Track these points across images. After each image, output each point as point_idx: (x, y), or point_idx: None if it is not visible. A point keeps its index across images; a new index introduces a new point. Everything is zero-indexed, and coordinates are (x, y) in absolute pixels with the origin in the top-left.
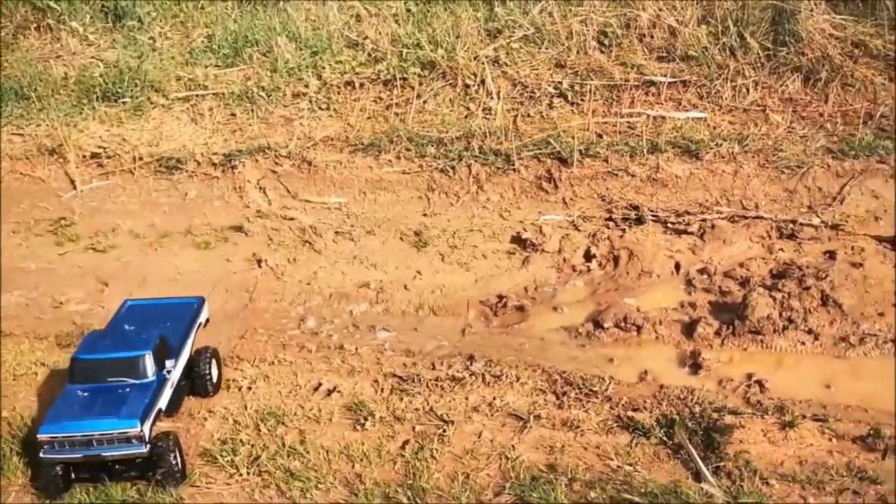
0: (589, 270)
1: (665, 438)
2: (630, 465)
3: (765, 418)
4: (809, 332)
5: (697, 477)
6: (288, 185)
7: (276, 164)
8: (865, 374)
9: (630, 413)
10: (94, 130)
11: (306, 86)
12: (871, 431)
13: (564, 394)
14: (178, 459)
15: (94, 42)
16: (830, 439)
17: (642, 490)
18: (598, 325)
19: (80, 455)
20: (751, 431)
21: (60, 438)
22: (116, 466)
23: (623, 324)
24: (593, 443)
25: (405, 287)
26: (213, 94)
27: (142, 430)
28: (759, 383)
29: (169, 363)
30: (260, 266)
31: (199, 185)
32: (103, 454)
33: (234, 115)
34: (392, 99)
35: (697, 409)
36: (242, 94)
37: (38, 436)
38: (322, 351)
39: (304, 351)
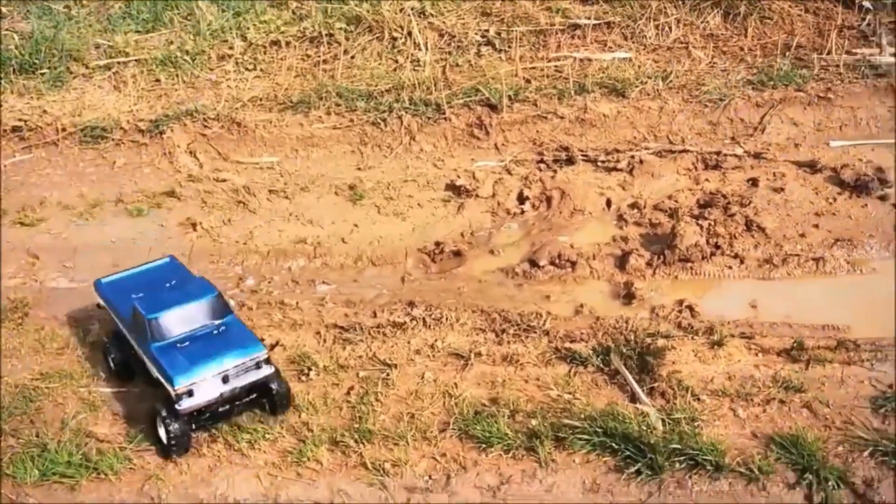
0: (523, 213)
1: (602, 366)
2: (569, 393)
3: (695, 339)
4: (735, 256)
5: (633, 399)
6: (218, 147)
7: (205, 127)
8: (788, 293)
9: (567, 345)
10: (13, 104)
11: (231, 47)
12: (795, 344)
13: (503, 331)
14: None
15: (6, 14)
16: (757, 354)
17: (581, 415)
18: (533, 264)
19: (217, 395)
20: (682, 353)
21: (199, 381)
22: (239, 402)
23: (558, 261)
24: (533, 375)
25: (342, 240)
26: (136, 60)
27: (266, 353)
28: (690, 308)
29: None
30: (195, 229)
31: (127, 153)
32: (239, 386)
33: (158, 80)
34: (319, 56)
35: (632, 336)
36: (166, 59)
37: (175, 387)
38: (263, 308)
39: (245, 309)
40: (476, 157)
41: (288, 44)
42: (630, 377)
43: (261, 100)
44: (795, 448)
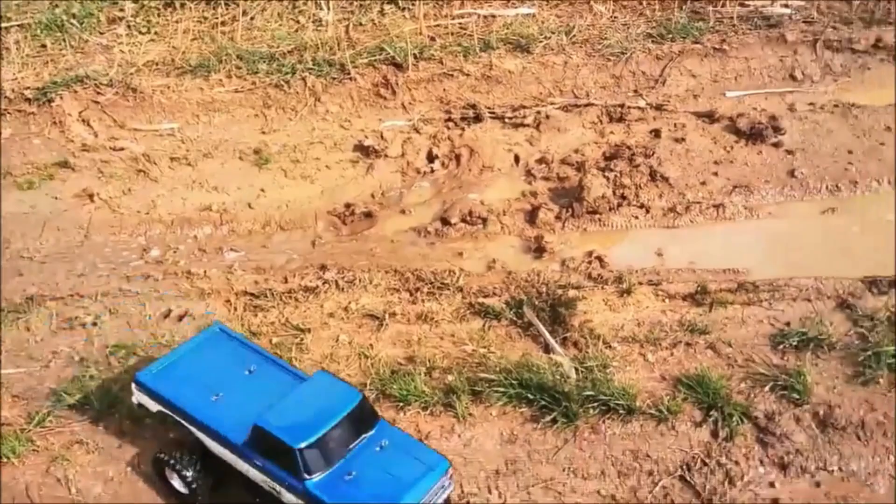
0: (432, 171)
1: (515, 319)
2: (484, 347)
3: (605, 289)
4: (641, 206)
5: (547, 349)
6: (114, 114)
7: (98, 93)
8: (692, 240)
9: (481, 300)
10: None
11: (122, 10)
12: (699, 289)
13: (417, 290)
14: None
15: None
16: (664, 300)
17: (497, 368)
18: (445, 222)
19: None
20: (592, 302)
21: None
22: None
23: (469, 218)
24: (448, 331)
25: (249, 206)
26: (18, 25)
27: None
28: (599, 259)
29: None
30: (92, 200)
31: (14, 123)
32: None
33: (44, 46)
34: (217, 17)
35: (543, 288)
36: (51, 23)
37: None
38: (169, 278)
39: (151, 280)
40: (383, 117)
41: (183, 5)
42: (543, 328)
43: (157, 64)
44: (701, 387)
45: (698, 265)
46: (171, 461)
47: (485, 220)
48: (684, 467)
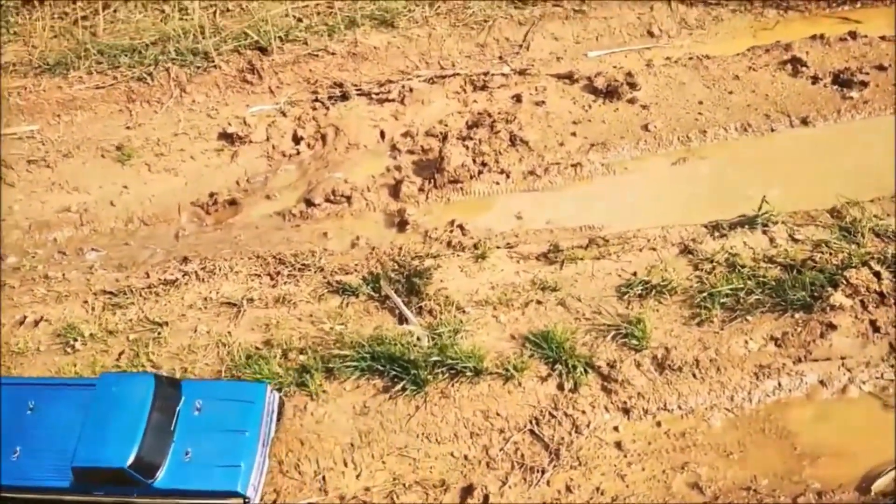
0: (298, 153)
1: (373, 293)
2: (342, 324)
3: (460, 255)
4: (502, 171)
5: (402, 320)
6: None
7: None
8: (550, 201)
9: (339, 278)
10: None
11: None
12: (551, 247)
13: (278, 273)
14: None
15: None
16: (518, 262)
17: (350, 344)
18: (309, 203)
19: None
20: (449, 270)
21: None
22: None
23: (333, 197)
24: (306, 312)
25: (111, 203)
26: None
27: None
28: (460, 227)
29: None
30: None
31: None
32: None
33: None
34: (76, 12)
35: (401, 261)
36: None
37: None
38: (26, 284)
39: (6, 288)
40: (251, 103)
41: (42, 2)
42: (398, 300)
43: (14, 65)
44: (547, 343)
45: (555, 224)
46: None
47: (349, 199)
48: (533, 421)
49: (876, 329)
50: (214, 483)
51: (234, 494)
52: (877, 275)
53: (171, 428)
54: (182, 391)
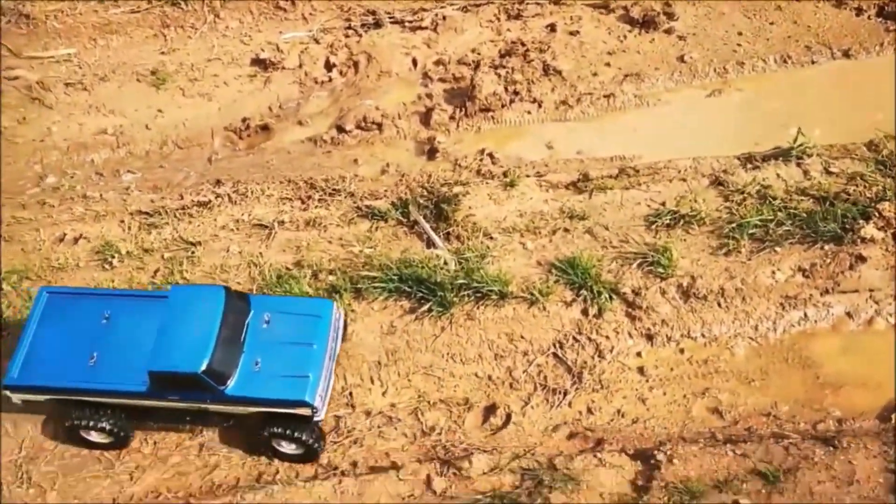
0: (330, 80)
1: (401, 219)
2: (371, 247)
3: (489, 183)
4: (534, 101)
5: (429, 244)
6: (8, 43)
7: None
8: (582, 131)
9: (369, 203)
10: None
11: None
12: (581, 176)
13: (309, 198)
14: None
15: None
16: (547, 190)
17: (378, 266)
18: (340, 129)
19: None
20: (477, 197)
21: None
22: None
23: (364, 124)
24: (336, 235)
25: (147, 127)
26: None
27: None
28: (490, 155)
29: None
30: None
31: None
32: None
33: None
34: None
35: (430, 187)
36: None
37: None
38: (65, 203)
39: (46, 207)
40: (284, 29)
41: None
42: (426, 225)
43: None
44: (573, 269)
45: (586, 154)
46: (84, 422)
47: (380, 126)
48: (557, 345)
49: None
50: (284, 392)
51: (303, 404)
52: None
53: (241, 339)
54: (251, 305)
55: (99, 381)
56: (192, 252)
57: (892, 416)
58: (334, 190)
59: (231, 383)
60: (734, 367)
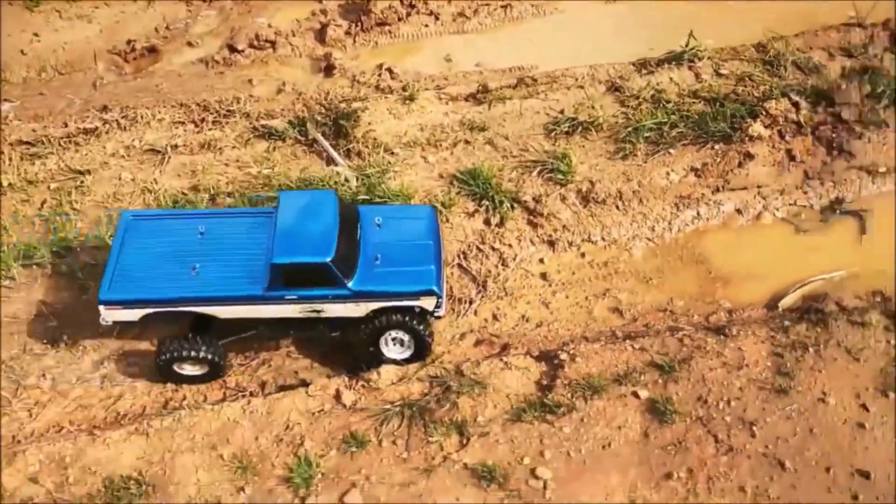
0: None
1: (300, 137)
2: (269, 168)
3: (388, 98)
4: (431, 13)
5: (329, 162)
6: None
7: None
8: (481, 43)
9: (265, 122)
10: None
11: None
12: (480, 88)
13: (203, 120)
14: None
15: None
16: (446, 103)
17: (278, 185)
18: (232, 49)
19: None
20: (376, 113)
21: None
22: None
23: (257, 43)
24: (233, 157)
25: (22, 52)
26: None
27: None
28: (389, 70)
29: None
30: None
31: None
32: None
33: None
34: None
35: (328, 105)
36: None
37: None
38: None
39: None
40: None
41: None
42: (325, 142)
43: None
44: (474, 180)
45: (485, 66)
46: (177, 353)
47: (273, 44)
48: (461, 255)
49: (791, 158)
50: (410, 284)
51: (430, 293)
52: (795, 105)
53: (357, 239)
54: (359, 210)
55: (207, 289)
56: (81, 181)
57: (779, 303)
58: (228, 111)
59: (354, 279)
60: (633, 267)
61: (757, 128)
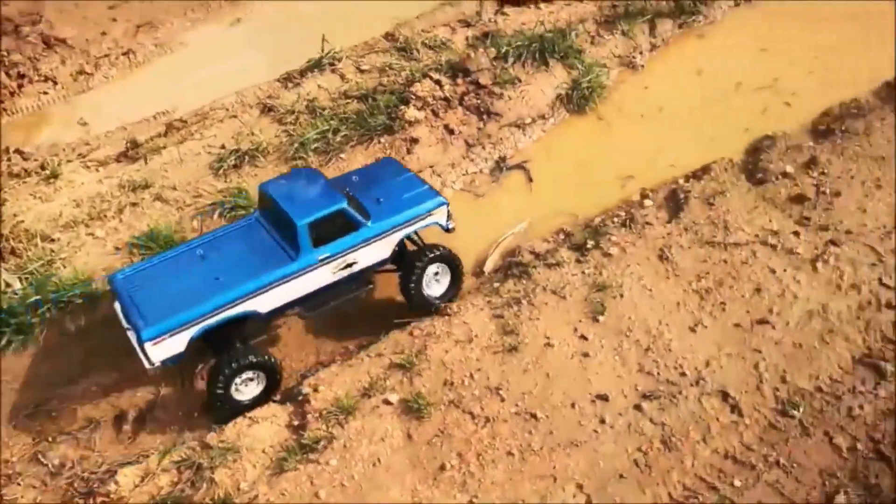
0: None
1: None
2: None
3: (27, 182)
4: (46, 79)
5: None
6: None
7: None
8: (112, 96)
9: None
10: None
11: None
12: (129, 144)
13: None
14: None
15: None
16: (96, 169)
17: None
18: None
19: None
20: (19, 201)
21: None
22: None
23: None
24: None
25: None
26: None
27: None
28: (18, 152)
29: None
30: None
31: None
32: None
33: None
34: None
35: None
36: None
37: None
38: None
39: None
40: None
41: None
42: None
43: None
44: (155, 242)
45: (126, 120)
46: (236, 364)
47: None
48: None
49: (450, 132)
50: (422, 206)
51: (440, 204)
52: (437, 83)
53: (352, 194)
54: (338, 179)
55: (245, 286)
56: None
57: (483, 269)
58: None
59: (371, 220)
60: None
61: (412, 112)
